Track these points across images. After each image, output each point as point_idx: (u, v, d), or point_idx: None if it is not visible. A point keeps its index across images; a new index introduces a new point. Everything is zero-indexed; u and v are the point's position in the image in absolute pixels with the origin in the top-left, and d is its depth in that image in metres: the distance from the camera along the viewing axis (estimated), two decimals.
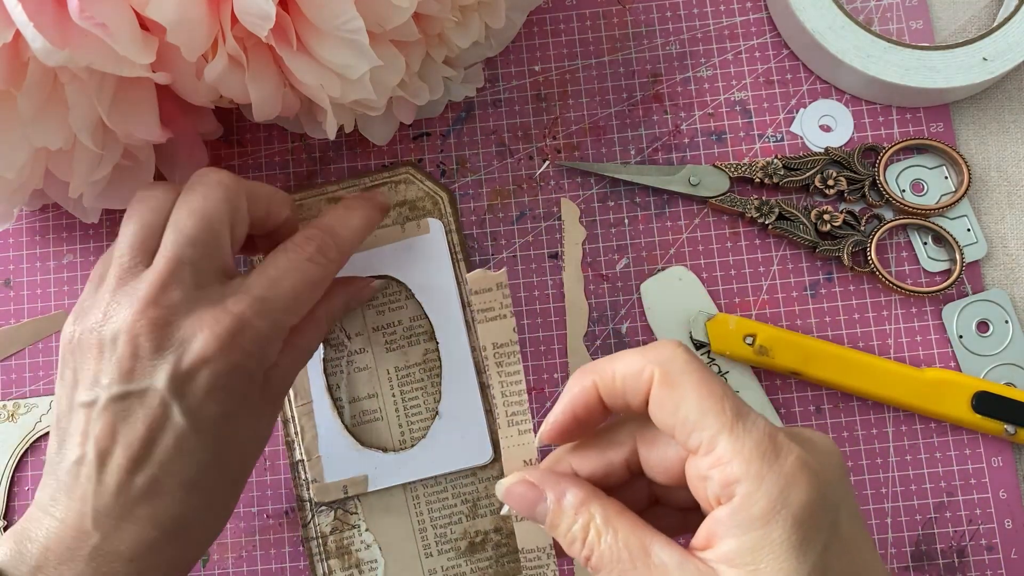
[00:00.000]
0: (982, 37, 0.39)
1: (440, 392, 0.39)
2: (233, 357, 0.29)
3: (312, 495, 0.38)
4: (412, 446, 0.38)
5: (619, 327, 0.39)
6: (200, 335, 0.28)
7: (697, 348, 0.39)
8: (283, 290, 0.31)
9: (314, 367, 0.39)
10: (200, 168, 0.39)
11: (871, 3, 0.41)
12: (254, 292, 0.30)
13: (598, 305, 0.40)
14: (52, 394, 0.40)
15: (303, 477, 0.38)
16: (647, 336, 0.39)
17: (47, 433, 0.40)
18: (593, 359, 0.39)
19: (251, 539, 0.39)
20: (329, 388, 0.39)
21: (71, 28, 0.28)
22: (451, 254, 0.40)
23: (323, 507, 0.38)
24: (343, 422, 0.39)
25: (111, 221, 0.41)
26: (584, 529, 0.25)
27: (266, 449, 0.39)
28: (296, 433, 0.39)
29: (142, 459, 0.28)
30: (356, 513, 0.38)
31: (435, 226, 0.40)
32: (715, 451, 0.23)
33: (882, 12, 0.41)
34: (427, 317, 0.39)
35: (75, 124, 0.31)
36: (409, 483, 0.38)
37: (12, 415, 0.40)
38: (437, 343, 0.39)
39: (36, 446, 0.40)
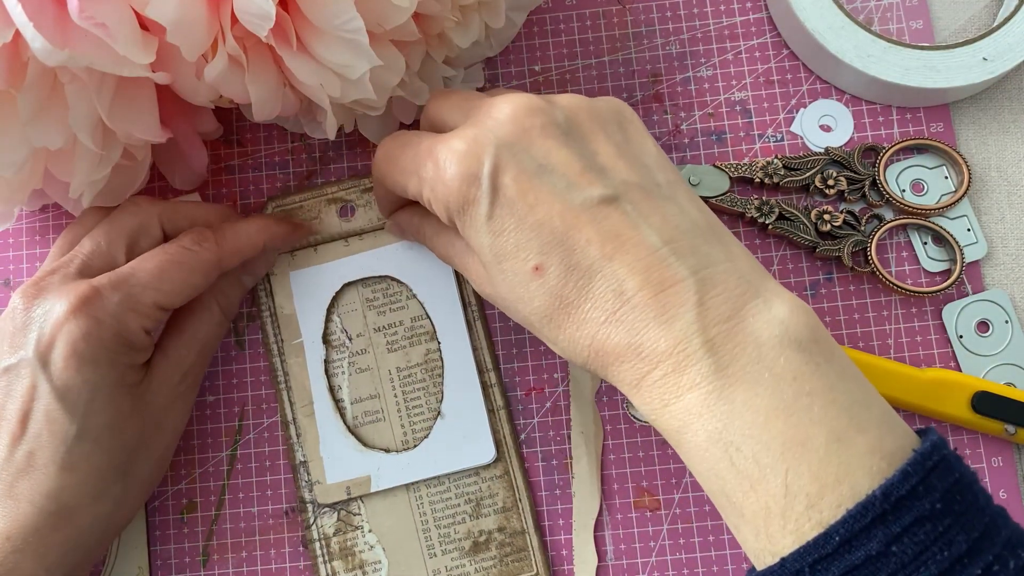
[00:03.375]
0: (982, 37, 0.39)
1: (442, 392, 0.39)
2: (83, 323, 0.31)
3: (315, 497, 0.38)
4: (415, 446, 0.38)
5: None
6: (58, 304, 0.31)
7: None
8: (145, 268, 0.33)
9: (315, 368, 0.39)
10: (200, 168, 0.39)
11: (871, 3, 0.41)
12: (119, 271, 0.32)
13: None
14: None
15: (305, 479, 0.38)
16: None
17: None
18: None
19: (251, 539, 0.39)
20: (331, 389, 0.39)
21: (71, 28, 0.28)
22: None
23: (326, 508, 0.38)
24: (345, 423, 0.39)
25: None
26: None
27: (265, 449, 0.39)
28: (298, 435, 0.39)
29: (20, 432, 0.30)
30: (359, 514, 0.38)
31: None
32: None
33: (882, 12, 0.41)
34: (429, 317, 0.39)
35: (75, 124, 0.31)
36: (412, 483, 0.38)
37: None
38: (439, 343, 0.39)
39: None
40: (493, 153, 0.28)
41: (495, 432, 0.38)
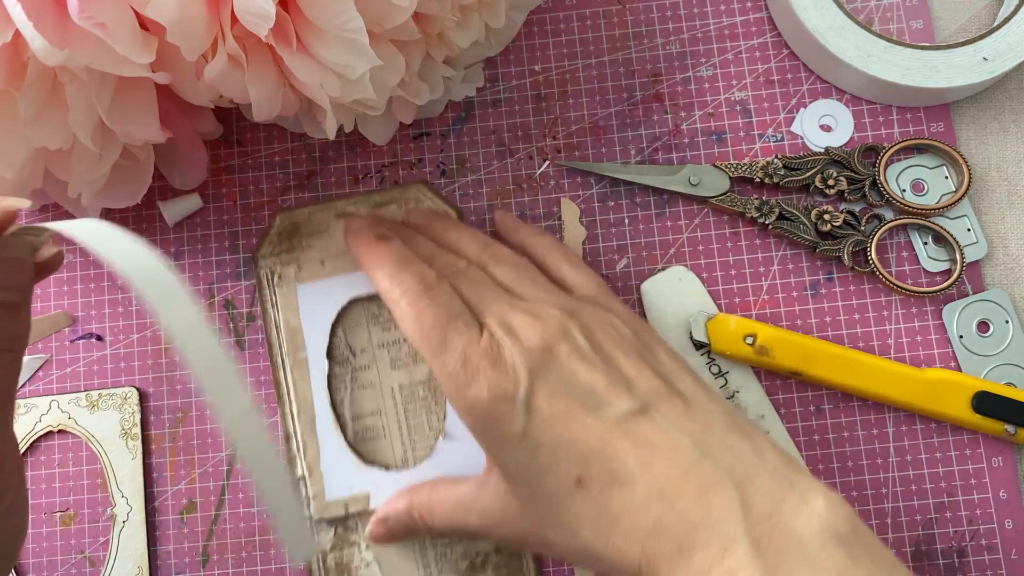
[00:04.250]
0: (982, 37, 0.39)
1: (445, 411, 0.38)
2: None
3: (312, 511, 0.38)
4: (415, 465, 0.38)
5: None
6: None
7: (697, 348, 0.39)
8: None
9: (318, 383, 0.39)
10: (200, 168, 0.39)
11: (871, 3, 0.41)
12: None
13: None
14: (52, 394, 0.40)
15: (304, 493, 0.38)
16: None
17: (47, 433, 0.40)
18: None
19: (251, 539, 0.39)
20: (333, 404, 0.38)
21: (71, 28, 0.28)
22: None
23: (323, 524, 0.38)
24: (346, 439, 0.38)
25: (111, 221, 0.41)
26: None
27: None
28: (298, 449, 0.38)
29: None
30: (356, 531, 0.38)
31: None
32: None
33: (882, 12, 0.41)
34: None
35: (75, 124, 0.31)
36: None
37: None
38: None
39: (36, 446, 0.40)
40: (527, 378, 0.29)
41: None
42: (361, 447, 0.38)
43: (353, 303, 0.39)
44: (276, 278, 0.40)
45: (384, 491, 0.37)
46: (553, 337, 0.30)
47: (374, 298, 0.39)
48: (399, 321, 0.32)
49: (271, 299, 0.40)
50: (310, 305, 0.39)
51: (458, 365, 0.30)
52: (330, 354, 0.39)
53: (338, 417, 0.38)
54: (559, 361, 0.29)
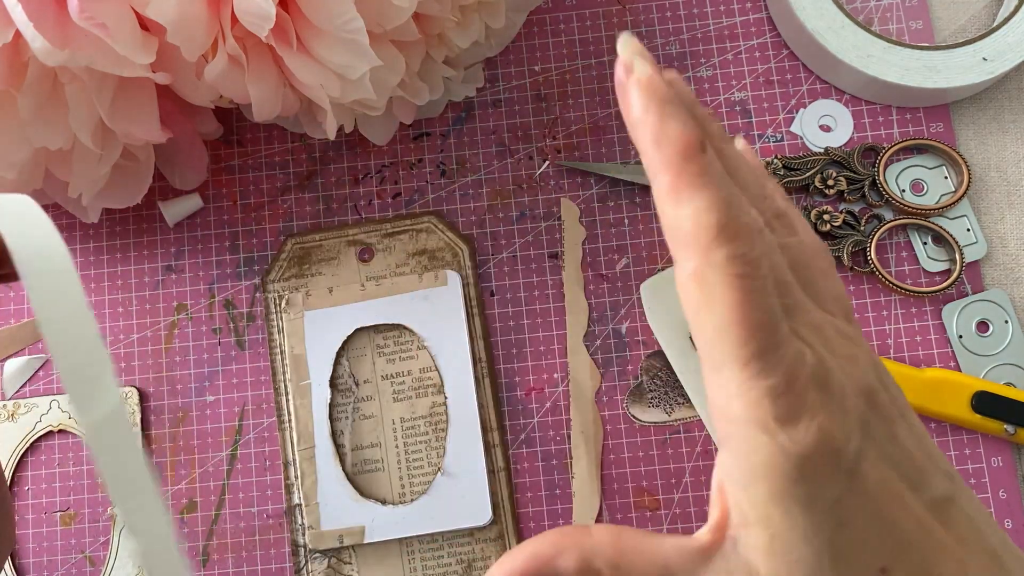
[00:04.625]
0: (982, 37, 0.39)
1: (444, 447, 0.38)
2: None
3: (307, 541, 0.38)
4: (412, 500, 0.38)
5: (619, 327, 0.39)
6: None
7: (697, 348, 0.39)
8: None
9: (320, 411, 0.38)
10: (200, 168, 0.39)
11: (871, 3, 0.41)
12: None
13: (598, 305, 0.40)
14: (52, 394, 0.40)
15: (299, 522, 0.38)
16: (647, 336, 0.39)
17: (48, 433, 0.40)
18: (593, 359, 0.39)
19: (251, 539, 0.39)
20: (333, 434, 0.38)
21: (71, 28, 0.28)
22: (466, 308, 0.39)
23: (317, 554, 0.38)
24: (344, 470, 0.38)
25: (111, 221, 0.41)
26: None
27: (265, 449, 0.39)
28: (296, 477, 0.38)
29: None
30: (350, 563, 0.38)
31: (453, 279, 0.39)
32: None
33: (882, 12, 0.41)
34: (438, 370, 0.39)
35: (75, 124, 0.31)
36: (405, 538, 0.38)
37: (12, 415, 0.40)
38: (446, 397, 0.38)
39: (36, 446, 0.40)
40: (860, 429, 0.22)
41: (493, 494, 0.38)
42: (359, 478, 0.38)
43: (359, 332, 0.39)
44: (284, 303, 0.39)
45: (380, 525, 0.37)
46: (872, 380, 0.22)
47: (380, 328, 0.39)
48: (707, 291, 0.20)
49: (278, 325, 0.40)
50: (316, 333, 0.39)
51: (780, 387, 0.20)
52: (333, 383, 0.39)
53: (338, 447, 0.38)
54: (882, 415, 0.22)
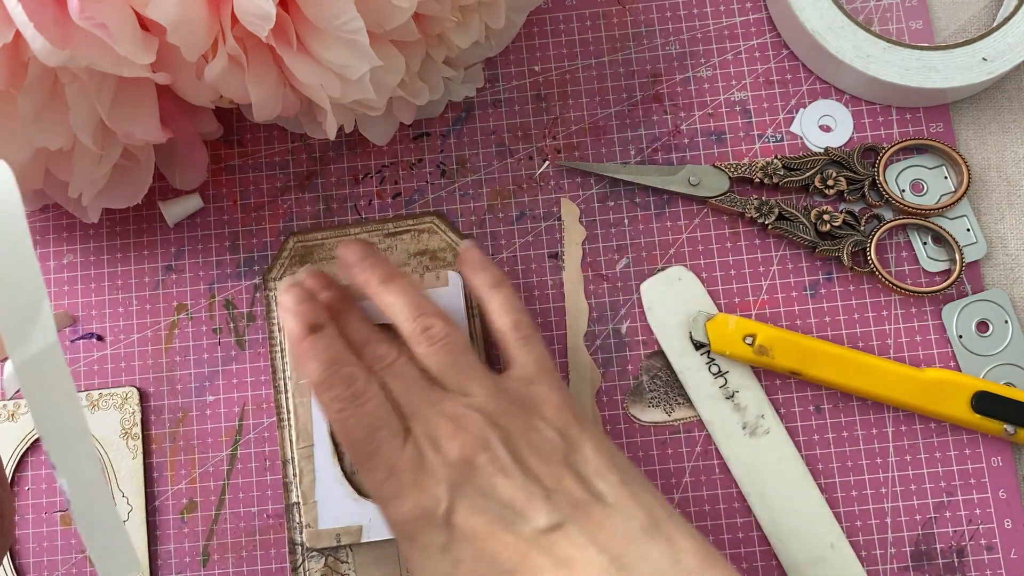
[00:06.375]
0: (982, 37, 0.39)
1: None
2: None
3: (304, 540, 0.37)
4: None
5: (619, 327, 0.39)
6: None
7: (697, 348, 0.39)
8: None
9: (318, 410, 0.38)
10: (200, 168, 0.39)
11: (871, 3, 0.41)
12: None
13: (598, 305, 0.40)
14: None
15: (297, 520, 0.38)
16: (647, 336, 0.39)
17: None
18: (593, 359, 0.39)
19: (251, 539, 0.39)
20: (332, 433, 0.38)
21: (71, 28, 0.28)
22: (467, 309, 0.38)
23: (314, 553, 0.38)
24: (342, 469, 0.38)
25: (111, 221, 0.41)
26: None
27: (265, 449, 0.39)
28: (295, 475, 0.38)
29: None
30: (347, 562, 0.38)
31: (454, 279, 0.38)
32: None
33: (882, 12, 0.41)
34: None
35: (75, 124, 0.31)
36: None
37: (12, 415, 0.40)
38: None
39: (36, 446, 0.40)
40: (448, 494, 0.29)
41: None
42: (357, 479, 0.38)
43: None
44: None
45: (376, 525, 0.37)
46: (474, 449, 0.30)
47: (382, 327, 0.39)
48: (332, 425, 0.33)
49: (278, 323, 0.39)
50: None
51: (383, 477, 0.30)
52: None
53: (336, 446, 0.38)
54: (479, 474, 0.30)
